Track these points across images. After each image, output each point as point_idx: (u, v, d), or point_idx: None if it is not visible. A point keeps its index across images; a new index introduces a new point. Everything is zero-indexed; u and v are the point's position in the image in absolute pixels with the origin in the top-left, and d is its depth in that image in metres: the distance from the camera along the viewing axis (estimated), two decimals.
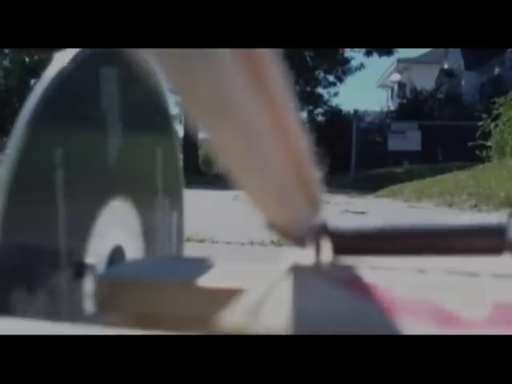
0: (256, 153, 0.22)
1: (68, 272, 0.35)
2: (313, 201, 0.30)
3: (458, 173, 4.94)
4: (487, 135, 5.43)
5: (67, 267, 0.35)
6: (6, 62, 17.76)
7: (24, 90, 17.88)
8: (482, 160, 5.39)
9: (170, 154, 0.49)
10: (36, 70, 17.18)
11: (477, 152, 5.44)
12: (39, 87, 0.33)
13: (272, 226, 0.28)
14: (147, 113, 0.45)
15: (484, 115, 5.45)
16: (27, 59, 17.98)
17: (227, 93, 0.18)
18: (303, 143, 0.26)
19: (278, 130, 0.24)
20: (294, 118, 0.25)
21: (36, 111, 0.32)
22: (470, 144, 5.42)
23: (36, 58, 17.88)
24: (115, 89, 0.40)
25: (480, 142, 5.39)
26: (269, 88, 0.21)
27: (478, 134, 5.38)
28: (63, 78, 0.34)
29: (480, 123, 5.45)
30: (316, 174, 0.30)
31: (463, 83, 11.48)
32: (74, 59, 0.34)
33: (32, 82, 17.91)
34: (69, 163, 0.35)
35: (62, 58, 0.34)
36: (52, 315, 0.33)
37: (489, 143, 5.43)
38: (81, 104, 0.37)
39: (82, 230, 0.36)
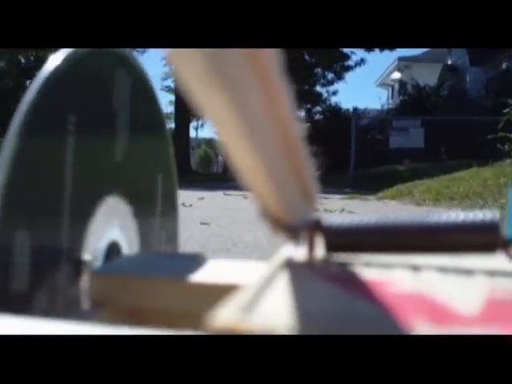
0: (251, 127, 0.22)
1: (68, 269, 0.35)
2: (307, 194, 0.31)
3: (480, 170, 4.08)
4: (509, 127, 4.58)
5: (67, 264, 0.35)
6: (1, 63, 17.15)
7: (20, 92, 17.42)
8: (509, 155, 4.53)
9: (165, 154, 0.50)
10: (32, 71, 16.64)
11: (498, 146, 4.59)
12: (32, 90, 0.32)
13: (266, 214, 0.28)
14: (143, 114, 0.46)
15: (510, 101, 4.59)
16: (23, 60, 17.33)
17: (223, 64, 0.19)
18: (298, 130, 0.27)
19: (273, 110, 0.24)
20: (290, 104, 0.25)
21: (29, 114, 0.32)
22: (489, 137, 4.58)
23: (32, 58, 17.20)
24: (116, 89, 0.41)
25: (502, 134, 4.53)
26: (265, 69, 0.22)
27: (500, 125, 4.52)
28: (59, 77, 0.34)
29: (505, 110, 4.60)
30: (311, 167, 0.30)
31: (468, 79, 10.91)
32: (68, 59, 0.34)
33: (28, 83, 17.41)
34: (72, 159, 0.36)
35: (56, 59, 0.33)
36: (50, 311, 0.33)
37: None
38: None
39: (80, 227, 0.37)
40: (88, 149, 0.37)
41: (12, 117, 0.30)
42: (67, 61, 0.33)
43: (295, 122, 0.26)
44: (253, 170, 0.24)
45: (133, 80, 0.42)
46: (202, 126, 21.13)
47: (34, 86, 0.32)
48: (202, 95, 0.19)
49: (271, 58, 0.22)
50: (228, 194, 3.88)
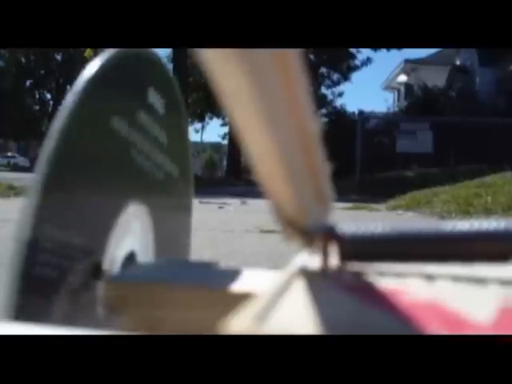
0: (271, 115, 0.22)
1: (87, 272, 0.35)
2: (322, 198, 0.31)
3: None
4: None
5: (87, 267, 0.35)
6: (0, 63, 16.63)
7: (20, 92, 16.97)
8: None
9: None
10: (32, 71, 16.17)
11: None
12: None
13: (280, 214, 0.28)
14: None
15: None
16: (23, 59, 16.77)
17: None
18: (315, 130, 0.27)
19: (293, 103, 0.24)
20: (309, 101, 0.25)
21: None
22: None
23: (32, 57, 16.62)
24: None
25: None
26: (287, 61, 0.22)
27: None
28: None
29: None
30: (326, 169, 0.30)
31: (477, 80, 10.45)
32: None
33: (28, 82, 16.94)
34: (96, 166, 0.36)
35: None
36: (69, 316, 0.33)
37: None
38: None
39: (102, 232, 0.37)
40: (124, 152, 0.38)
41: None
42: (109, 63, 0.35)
43: (313, 121, 0.26)
44: (269, 164, 0.24)
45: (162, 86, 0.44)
46: (202, 127, 20.68)
47: (76, 89, 0.33)
48: (225, 77, 0.20)
49: (293, 52, 0.22)
50: (204, 203, 3.37)
